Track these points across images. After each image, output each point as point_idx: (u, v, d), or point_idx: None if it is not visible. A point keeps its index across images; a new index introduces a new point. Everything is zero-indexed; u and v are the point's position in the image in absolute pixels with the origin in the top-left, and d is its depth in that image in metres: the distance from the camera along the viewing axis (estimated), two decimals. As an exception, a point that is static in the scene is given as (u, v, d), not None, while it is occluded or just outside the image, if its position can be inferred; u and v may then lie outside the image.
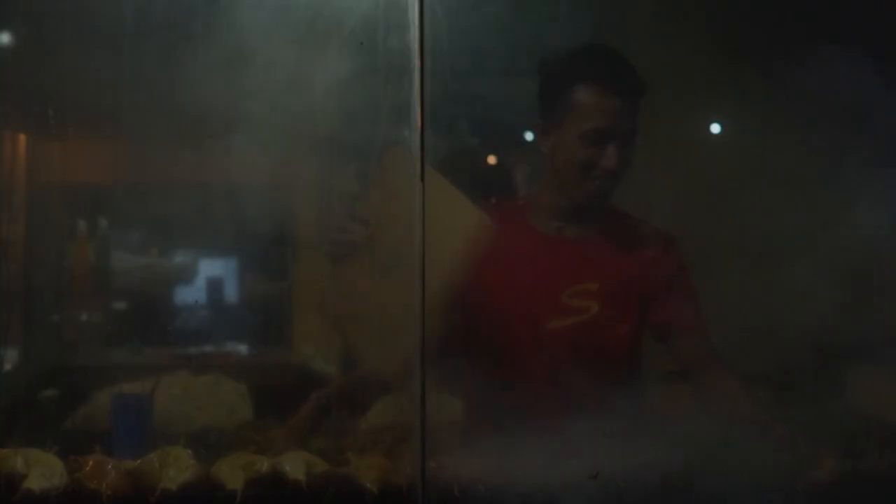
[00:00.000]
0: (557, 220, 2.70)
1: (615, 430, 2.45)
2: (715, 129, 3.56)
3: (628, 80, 2.61)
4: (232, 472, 2.19)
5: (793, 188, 3.01)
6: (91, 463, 2.18)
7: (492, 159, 3.61)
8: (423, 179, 2.33)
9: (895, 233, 2.84)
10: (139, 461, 2.21)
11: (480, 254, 2.52)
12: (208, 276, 3.97)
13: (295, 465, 2.21)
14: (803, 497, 2.31)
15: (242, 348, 3.81)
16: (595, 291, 2.65)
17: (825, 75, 2.80)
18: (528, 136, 3.48)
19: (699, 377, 2.72)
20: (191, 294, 3.96)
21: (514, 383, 2.58)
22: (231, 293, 3.99)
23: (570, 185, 2.63)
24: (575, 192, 2.64)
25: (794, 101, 2.97)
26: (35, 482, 2.11)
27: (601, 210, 2.68)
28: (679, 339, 2.71)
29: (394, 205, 2.53)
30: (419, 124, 2.31)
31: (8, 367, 3.32)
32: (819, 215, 2.88)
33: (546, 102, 2.66)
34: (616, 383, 2.56)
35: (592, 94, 2.59)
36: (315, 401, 2.63)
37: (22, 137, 3.28)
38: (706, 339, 2.71)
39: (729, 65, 3.23)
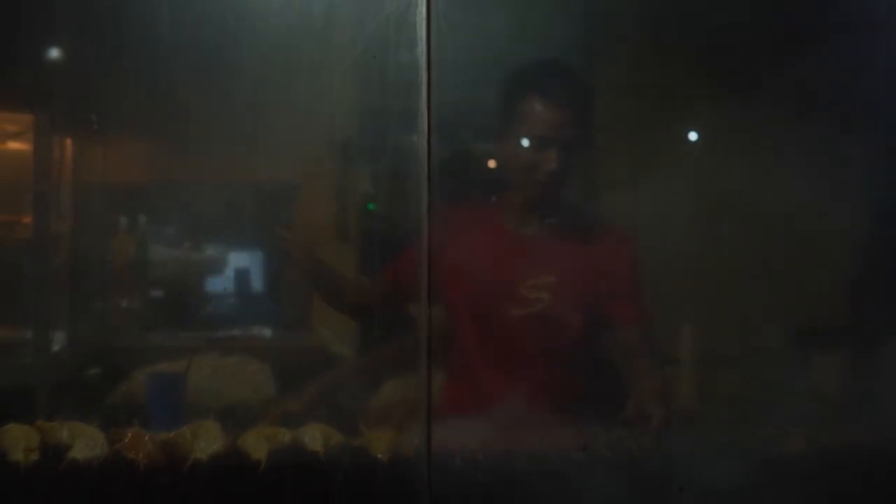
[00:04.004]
0: (519, 218, 2.74)
1: (601, 409, 2.49)
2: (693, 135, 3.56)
3: (569, 91, 2.68)
4: (256, 444, 2.21)
5: (765, 182, 3.01)
6: (130, 435, 2.21)
7: (492, 163, 3.62)
8: (430, 180, 2.34)
9: (862, 223, 2.85)
10: (173, 433, 2.23)
11: (459, 247, 2.57)
12: (236, 267, 3.98)
13: (313, 437, 2.23)
14: (770, 471, 2.33)
15: (266, 332, 3.81)
16: (549, 284, 2.68)
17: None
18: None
19: (633, 365, 2.73)
20: (220, 283, 3.97)
21: (487, 367, 2.62)
22: (256, 282, 3.99)
23: (521, 187, 2.70)
24: (525, 193, 2.69)
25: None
26: (79, 452, 2.14)
27: (557, 209, 2.72)
28: (623, 330, 2.72)
29: None
30: (426, 131, 2.33)
31: (56, 348, 3.35)
32: (787, 206, 2.88)
33: (502, 112, 2.73)
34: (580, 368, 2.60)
35: (532, 104, 2.66)
36: (320, 385, 2.67)
37: (69, 141, 3.30)
38: (648, 332, 2.73)
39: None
